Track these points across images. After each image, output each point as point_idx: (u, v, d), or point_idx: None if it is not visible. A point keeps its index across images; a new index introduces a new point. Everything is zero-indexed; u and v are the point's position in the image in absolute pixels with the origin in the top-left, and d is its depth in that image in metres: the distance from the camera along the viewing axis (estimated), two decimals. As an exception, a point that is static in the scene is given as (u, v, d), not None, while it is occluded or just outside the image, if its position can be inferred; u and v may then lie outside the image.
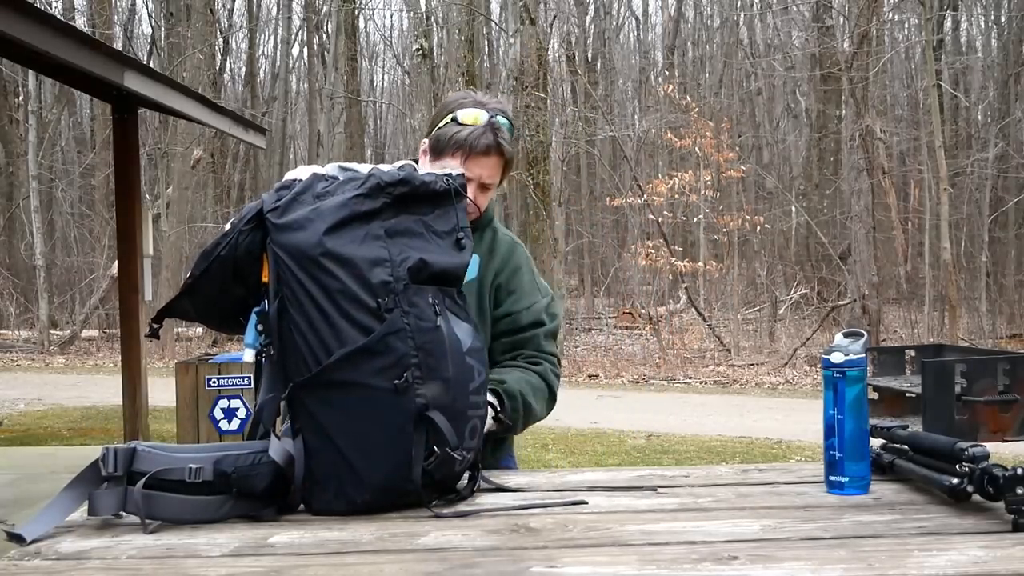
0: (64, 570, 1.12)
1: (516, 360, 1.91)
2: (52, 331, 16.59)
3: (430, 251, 1.41)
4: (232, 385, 5.53)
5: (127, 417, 6.07)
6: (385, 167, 1.44)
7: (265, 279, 1.40)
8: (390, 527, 1.28)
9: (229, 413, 5.52)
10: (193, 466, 1.30)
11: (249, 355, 1.46)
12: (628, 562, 1.11)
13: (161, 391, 7.31)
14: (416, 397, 1.35)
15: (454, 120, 1.85)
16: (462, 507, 1.39)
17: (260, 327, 1.40)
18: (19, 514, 4.81)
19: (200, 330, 16.29)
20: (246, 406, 5.52)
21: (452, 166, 1.81)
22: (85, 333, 16.64)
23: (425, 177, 1.44)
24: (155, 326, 1.50)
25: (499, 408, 1.77)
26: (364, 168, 1.44)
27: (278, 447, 1.34)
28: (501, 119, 1.85)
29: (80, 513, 1.31)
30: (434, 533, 1.25)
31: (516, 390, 1.82)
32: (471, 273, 1.84)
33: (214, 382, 5.53)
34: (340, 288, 1.34)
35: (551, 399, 1.94)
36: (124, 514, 1.30)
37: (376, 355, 1.34)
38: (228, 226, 1.43)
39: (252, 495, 1.32)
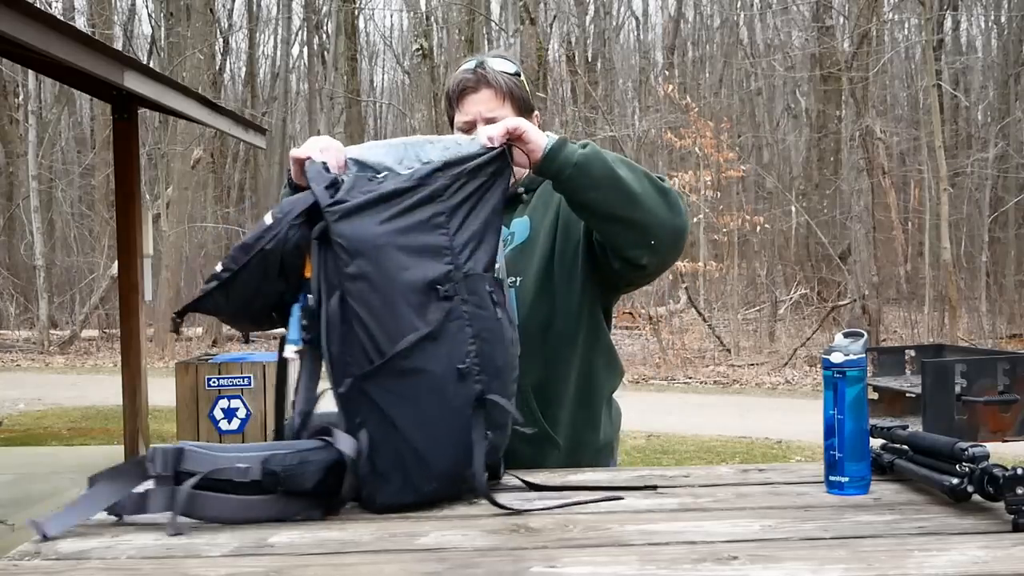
0: (64, 570, 1.12)
1: None
2: (52, 331, 16.59)
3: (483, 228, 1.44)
4: (232, 385, 5.53)
5: (127, 417, 6.07)
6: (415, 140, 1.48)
7: (307, 275, 1.41)
8: (390, 527, 1.28)
9: (229, 413, 5.52)
10: (242, 465, 1.28)
11: (290, 351, 1.44)
12: (628, 562, 1.11)
13: (161, 391, 7.30)
14: (475, 383, 1.37)
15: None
16: (513, 502, 1.37)
17: (306, 322, 1.40)
18: (19, 514, 4.81)
19: (200, 330, 16.29)
20: (246, 406, 5.52)
21: (457, 122, 1.81)
22: (85, 333, 16.63)
23: (470, 148, 1.47)
24: (178, 320, 1.49)
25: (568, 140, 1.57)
26: (382, 150, 1.47)
27: (348, 441, 1.33)
28: (490, 59, 1.81)
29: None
30: (434, 533, 1.25)
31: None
32: (520, 237, 1.78)
33: (214, 382, 5.53)
34: (404, 278, 1.35)
35: (661, 192, 1.60)
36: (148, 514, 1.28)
37: (440, 341, 1.35)
38: (269, 220, 1.42)
39: (301, 494, 1.30)
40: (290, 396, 1.47)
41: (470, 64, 1.82)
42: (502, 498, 1.36)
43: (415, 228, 1.38)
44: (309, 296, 1.41)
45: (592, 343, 1.82)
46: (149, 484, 1.29)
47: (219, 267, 1.45)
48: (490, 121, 1.75)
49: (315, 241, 1.39)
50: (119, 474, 1.30)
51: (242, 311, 1.49)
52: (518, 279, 1.76)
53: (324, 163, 1.49)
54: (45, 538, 1.22)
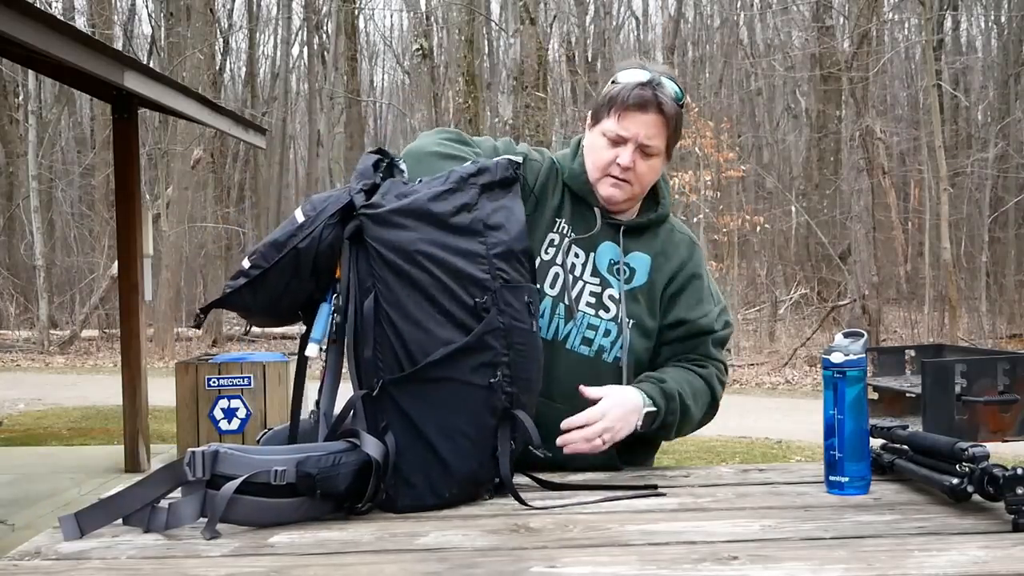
0: (64, 570, 1.12)
1: (680, 362, 1.76)
2: (52, 331, 16.57)
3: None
4: (232, 385, 5.53)
5: (127, 417, 6.07)
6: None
7: (338, 275, 1.40)
8: (390, 527, 1.29)
9: (229, 413, 5.52)
10: (278, 468, 1.27)
11: (313, 350, 1.43)
12: (628, 562, 1.11)
13: (161, 391, 7.30)
14: (502, 395, 1.38)
15: (613, 81, 1.72)
16: (547, 502, 1.38)
17: (337, 323, 1.39)
18: (19, 514, 4.81)
19: (200, 329, 16.28)
20: (246, 406, 5.52)
21: (608, 128, 1.68)
22: (85, 333, 16.62)
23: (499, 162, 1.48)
24: (201, 317, 1.48)
25: (656, 409, 1.63)
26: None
27: (374, 444, 1.33)
28: (665, 80, 1.70)
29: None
30: (434, 533, 1.25)
31: (675, 390, 1.67)
32: (640, 278, 1.73)
33: (214, 382, 5.53)
34: (439, 284, 1.35)
35: (712, 406, 1.77)
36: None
37: (473, 353, 1.35)
38: (300, 217, 1.41)
39: (334, 495, 1.30)
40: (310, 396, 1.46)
41: (644, 76, 1.69)
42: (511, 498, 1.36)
43: (454, 233, 1.37)
44: (337, 296, 1.40)
45: None
46: (176, 494, 1.27)
47: (247, 263, 1.43)
48: (645, 147, 1.67)
49: (347, 241, 1.38)
50: (151, 480, 1.28)
51: (270, 308, 1.48)
52: (632, 322, 1.71)
53: (378, 160, 1.48)
54: (72, 534, 1.22)
